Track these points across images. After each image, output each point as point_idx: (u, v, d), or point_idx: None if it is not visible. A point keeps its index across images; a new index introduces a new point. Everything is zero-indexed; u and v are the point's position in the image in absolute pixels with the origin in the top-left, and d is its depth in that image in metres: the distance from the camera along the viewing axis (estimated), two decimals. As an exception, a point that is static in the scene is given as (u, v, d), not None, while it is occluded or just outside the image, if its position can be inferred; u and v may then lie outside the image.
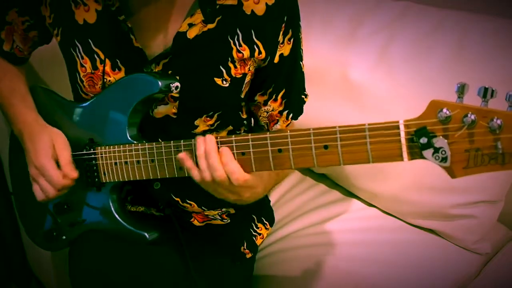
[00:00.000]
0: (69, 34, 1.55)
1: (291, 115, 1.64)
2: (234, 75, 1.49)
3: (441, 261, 1.85)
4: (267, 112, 1.63)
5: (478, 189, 1.84)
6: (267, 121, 1.66)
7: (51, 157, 1.49)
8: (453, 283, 1.79)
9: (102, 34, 1.51)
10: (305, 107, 1.71)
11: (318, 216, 2.06)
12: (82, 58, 1.52)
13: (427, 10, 2.02)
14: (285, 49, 1.52)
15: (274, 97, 1.59)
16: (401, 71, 1.93)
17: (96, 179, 1.53)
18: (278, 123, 1.65)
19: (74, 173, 1.49)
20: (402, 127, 1.02)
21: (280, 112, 1.63)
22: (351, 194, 2.18)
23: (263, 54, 1.48)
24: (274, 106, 1.61)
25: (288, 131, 1.17)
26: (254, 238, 1.79)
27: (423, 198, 1.92)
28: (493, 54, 1.78)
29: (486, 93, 0.94)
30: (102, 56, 1.51)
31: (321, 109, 2.03)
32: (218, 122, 1.55)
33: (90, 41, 1.51)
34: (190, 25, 1.44)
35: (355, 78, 2.01)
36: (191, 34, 1.45)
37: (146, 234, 1.51)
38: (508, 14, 1.90)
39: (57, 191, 1.50)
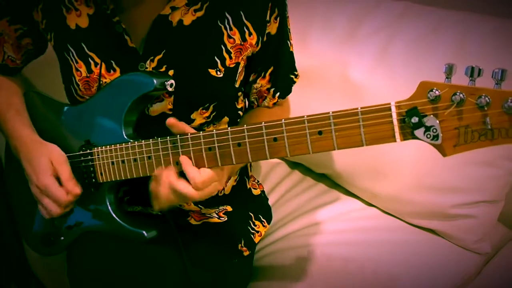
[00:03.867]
0: (62, 39, 1.57)
1: (278, 93, 1.68)
2: (228, 65, 1.52)
3: (441, 261, 1.86)
4: (256, 89, 1.68)
5: (478, 189, 1.85)
6: (256, 96, 1.71)
7: (51, 175, 1.51)
8: (453, 283, 1.80)
9: (95, 37, 1.53)
10: (304, 106, 1.74)
11: (318, 216, 2.06)
12: (77, 62, 1.54)
13: (427, 10, 2.04)
14: (272, 27, 1.55)
15: (262, 74, 1.64)
16: (401, 71, 1.94)
17: (93, 180, 1.55)
18: (266, 99, 1.70)
19: (76, 189, 1.50)
20: (393, 109, 1.06)
21: (268, 89, 1.67)
22: (351, 194, 2.19)
23: (254, 35, 1.52)
24: (262, 83, 1.66)
25: (283, 120, 1.20)
26: (252, 236, 1.80)
27: (423, 198, 1.92)
28: (493, 54, 1.80)
29: (473, 72, 1.00)
30: (97, 59, 1.53)
31: (321, 109, 1.98)
32: (214, 113, 1.57)
33: (83, 45, 1.53)
34: (173, 8, 1.46)
35: (355, 78, 2.03)
36: (174, 18, 1.47)
37: (144, 232, 1.52)
38: (508, 14, 1.92)
39: (63, 209, 1.52)
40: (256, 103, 1.73)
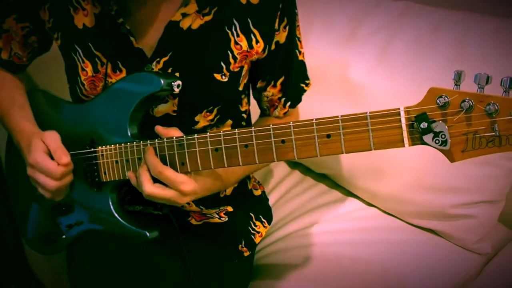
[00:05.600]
0: (69, 38, 1.59)
1: (288, 103, 1.71)
2: (232, 69, 1.54)
3: (441, 261, 1.88)
4: (267, 97, 1.70)
5: (479, 189, 1.87)
6: (268, 105, 1.73)
7: (43, 151, 1.52)
8: (453, 283, 1.82)
9: (102, 37, 1.55)
10: (304, 106, 1.76)
11: (318, 216, 2.09)
12: (83, 62, 1.57)
13: (427, 10, 2.06)
14: (280, 36, 1.58)
15: (272, 83, 1.66)
16: (401, 71, 1.97)
17: (97, 179, 1.57)
18: (277, 109, 1.72)
19: (65, 159, 1.51)
20: (402, 114, 1.08)
21: (279, 99, 1.69)
22: (351, 194, 2.21)
23: (261, 43, 1.54)
24: (273, 91, 1.68)
25: (291, 122, 1.22)
26: (252, 236, 1.82)
27: (423, 198, 1.95)
28: (493, 53, 1.82)
29: (482, 79, 1.02)
30: (103, 59, 1.55)
31: (321, 109, 1.96)
32: (218, 116, 1.60)
33: (90, 45, 1.56)
34: (184, 15, 1.49)
35: (355, 78, 2.05)
36: (185, 24, 1.50)
37: (146, 232, 1.53)
38: (508, 14, 1.94)
39: (58, 181, 1.52)
40: (268, 111, 1.75)
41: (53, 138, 1.54)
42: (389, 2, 2.17)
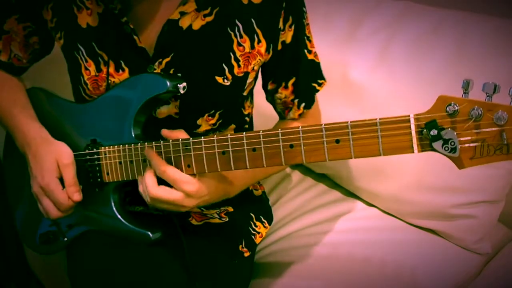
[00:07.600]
0: (72, 37, 1.62)
1: (302, 104, 1.72)
2: (236, 74, 1.57)
3: (441, 261, 1.91)
4: (281, 99, 1.72)
5: (479, 189, 1.91)
6: (282, 107, 1.75)
7: (56, 176, 1.55)
8: (453, 283, 1.86)
9: (105, 36, 1.58)
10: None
11: (318, 216, 2.12)
12: (86, 61, 1.59)
13: (427, 10, 2.10)
14: (286, 36, 1.60)
15: (283, 84, 1.68)
16: (401, 71, 2.00)
17: (99, 179, 1.59)
18: (291, 111, 1.73)
19: (76, 197, 1.54)
20: (412, 121, 1.13)
21: (292, 100, 1.71)
22: (351, 194, 2.24)
23: (263, 43, 1.56)
24: (286, 93, 1.70)
25: (300, 127, 1.25)
26: (252, 237, 1.84)
27: (423, 198, 1.98)
28: (493, 54, 1.86)
29: (490, 88, 1.06)
30: (106, 58, 1.58)
31: (321, 109, 2.02)
32: (220, 121, 1.63)
33: (93, 44, 1.58)
34: (182, 13, 1.51)
35: (355, 78, 2.09)
36: (184, 23, 1.52)
37: (149, 233, 1.55)
38: (508, 14, 1.98)
39: (62, 213, 1.56)
40: (283, 114, 1.77)
41: (69, 167, 1.56)
42: (389, 2, 2.20)
